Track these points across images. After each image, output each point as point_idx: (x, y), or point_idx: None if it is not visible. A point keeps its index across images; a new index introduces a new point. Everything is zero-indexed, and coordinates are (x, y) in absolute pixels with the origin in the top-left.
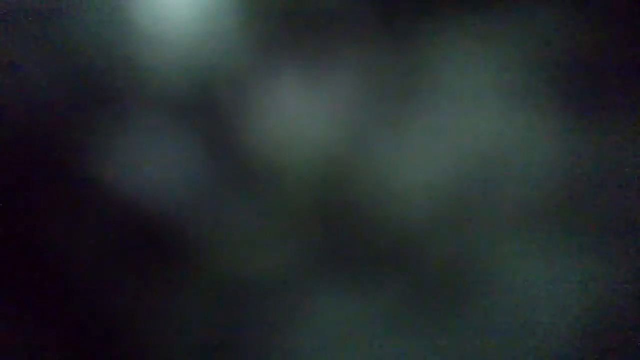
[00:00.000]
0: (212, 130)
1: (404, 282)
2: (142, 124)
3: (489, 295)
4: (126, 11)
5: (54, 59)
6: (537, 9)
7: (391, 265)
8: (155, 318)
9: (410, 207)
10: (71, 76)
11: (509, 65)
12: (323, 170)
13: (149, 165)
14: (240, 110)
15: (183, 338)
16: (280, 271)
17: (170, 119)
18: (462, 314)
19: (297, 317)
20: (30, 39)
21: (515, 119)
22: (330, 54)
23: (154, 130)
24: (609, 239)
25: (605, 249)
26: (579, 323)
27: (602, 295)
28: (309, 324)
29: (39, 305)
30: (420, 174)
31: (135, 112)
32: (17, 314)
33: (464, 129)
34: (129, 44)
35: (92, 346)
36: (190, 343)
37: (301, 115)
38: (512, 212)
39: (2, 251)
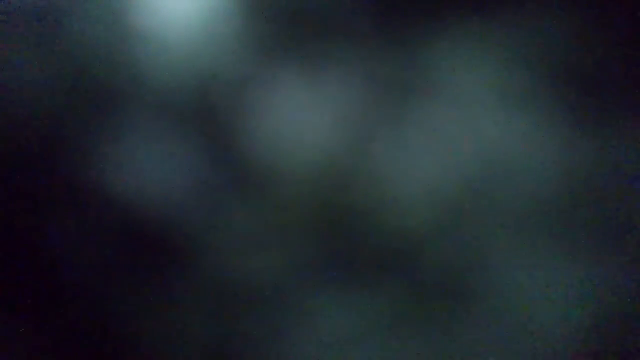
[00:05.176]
0: (213, 134)
1: (405, 286)
2: (142, 128)
3: (489, 298)
4: (126, 14)
5: (54, 62)
6: (537, 12)
7: (391, 269)
8: (155, 322)
9: (411, 211)
10: (71, 80)
11: (509, 68)
12: (324, 174)
13: (149, 169)
14: (241, 114)
15: (182, 342)
16: (281, 275)
17: (171, 122)
18: (462, 318)
19: (298, 321)
20: (30, 41)
21: (516, 122)
22: (331, 57)
23: (154, 134)
24: (609, 241)
25: (605, 251)
26: (579, 326)
27: (603, 298)
28: (309, 327)
29: (38, 310)
30: (420, 177)
31: (135, 116)
32: (16, 318)
33: (464, 132)
34: (129, 47)
35: (90, 350)
36: (190, 347)
37: (302, 118)
38: (512, 215)
39: (1, 255)
